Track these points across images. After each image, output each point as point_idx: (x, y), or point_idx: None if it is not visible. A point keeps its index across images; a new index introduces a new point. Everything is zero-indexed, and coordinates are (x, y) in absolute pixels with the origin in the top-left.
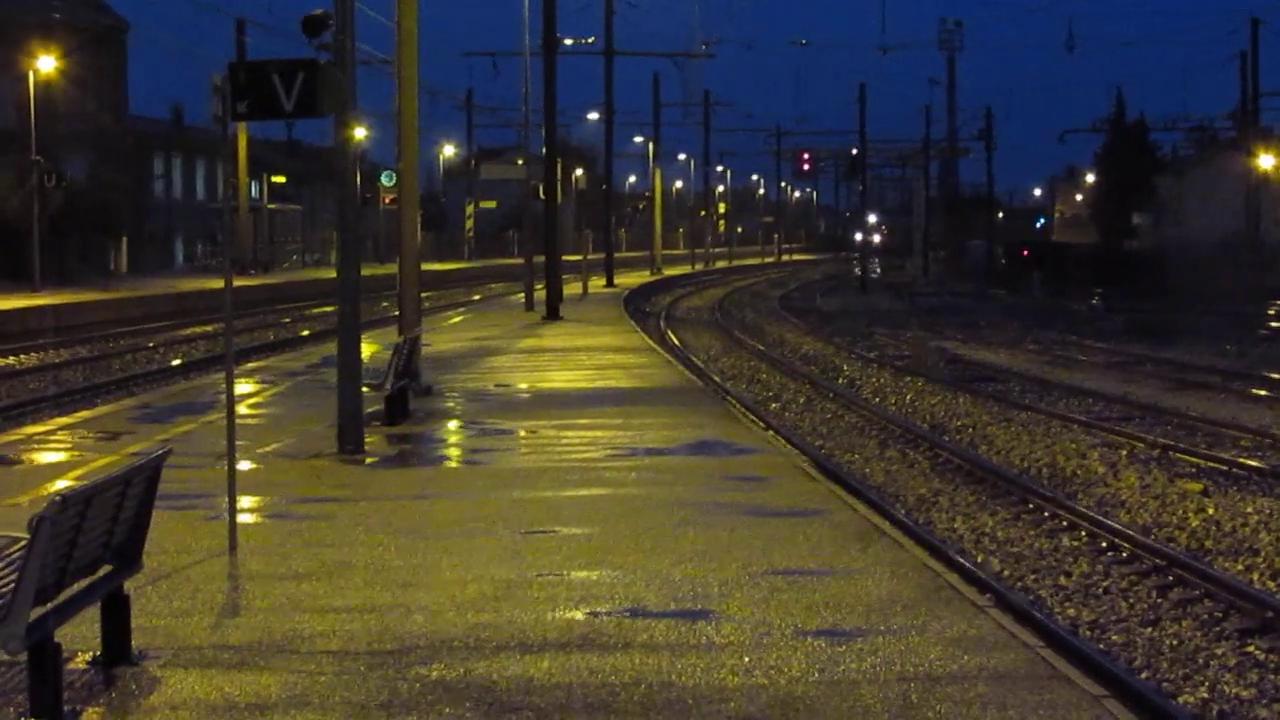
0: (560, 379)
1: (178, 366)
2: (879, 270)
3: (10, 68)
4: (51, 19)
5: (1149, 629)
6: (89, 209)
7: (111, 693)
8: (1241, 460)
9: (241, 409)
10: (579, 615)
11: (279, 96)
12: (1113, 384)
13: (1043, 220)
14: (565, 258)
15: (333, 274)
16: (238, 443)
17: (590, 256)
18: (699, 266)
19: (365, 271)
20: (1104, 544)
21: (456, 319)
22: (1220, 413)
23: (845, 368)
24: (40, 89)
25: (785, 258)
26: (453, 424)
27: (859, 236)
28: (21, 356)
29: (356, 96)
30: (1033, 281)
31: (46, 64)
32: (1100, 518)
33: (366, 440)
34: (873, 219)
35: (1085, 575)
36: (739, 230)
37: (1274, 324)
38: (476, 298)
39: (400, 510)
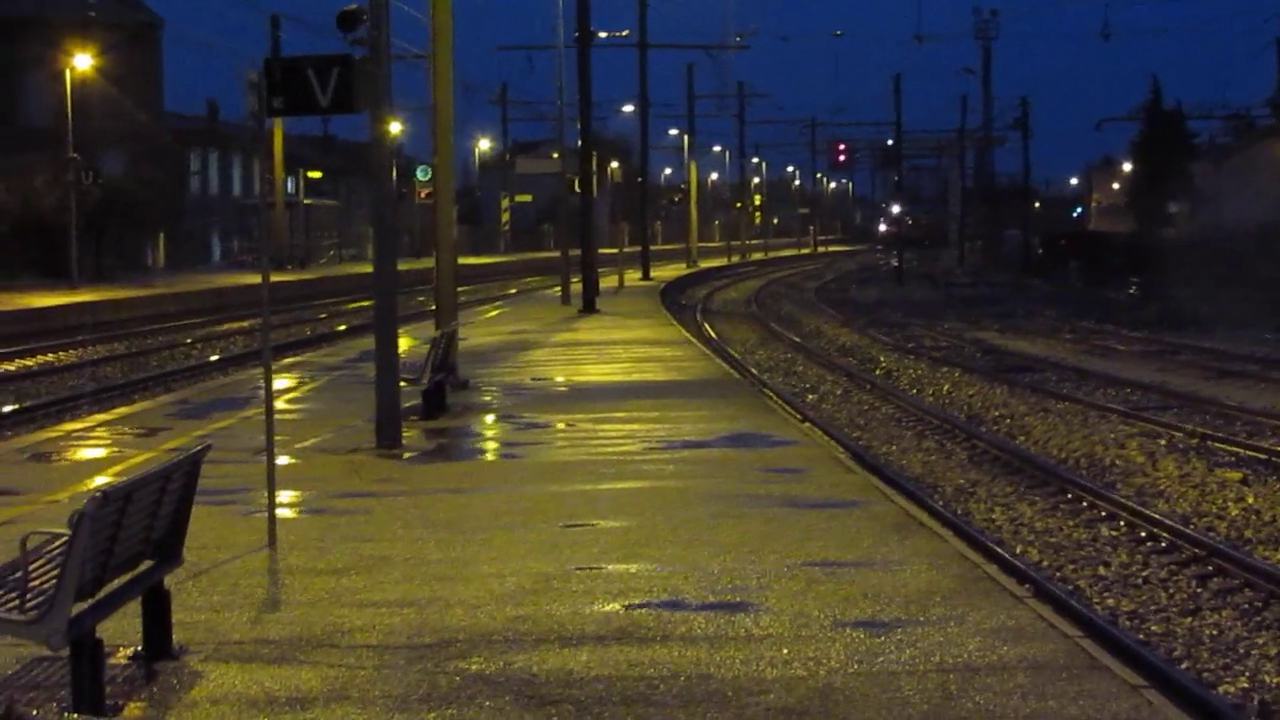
0: (597, 372)
1: (215, 362)
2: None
3: (46, 65)
4: (87, 17)
5: (1188, 619)
6: (125, 205)
7: (153, 687)
8: None
9: (279, 404)
10: (617, 608)
11: (314, 92)
12: (1150, 373)
13: (1079, 209)
14: (601, 251)
15: (369, 269)
16: (276, 438)
17: (626, 249)
18: (734, 259)
19: (401, 266)
20: (1143, 534)
21: (493, 313)
22: (1259, 401)
23: (882, 359)
24: (76, 86)
25: (821, 249)
26: (490, 418)
27: (882, 227)
28: (60, 353)
29: (391, 92)
30: (1069, 271)
31: (82, 62)
32: (1139, 507)
33: (404, 435)
34: (895, 209)
35: (1124, 565)
36: (774, 222)
37: None
38: (513, 291)
39: (438, 504)
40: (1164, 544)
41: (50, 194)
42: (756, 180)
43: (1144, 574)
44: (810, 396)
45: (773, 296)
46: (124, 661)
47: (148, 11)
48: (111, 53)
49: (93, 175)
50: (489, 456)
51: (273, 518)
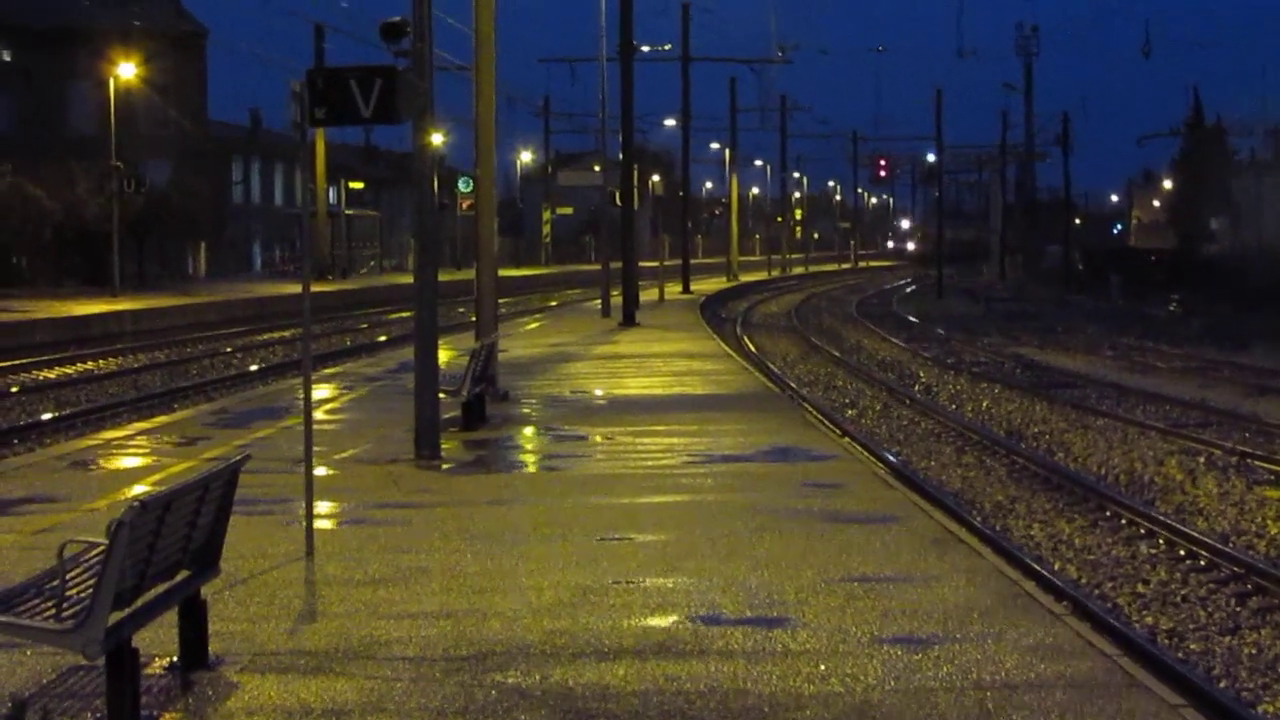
0: (637, 385)
1: (255, 371)
2: (910, 280)
3: (91, 74)
4: (132, 26)
5: (1228, 637)
6: (168, 214)
7: (189, 698)
8: None
9: (319, 414)
10: (655, 622)
11: (357, 103)
12: (1190, 390)
13: (1120, 225)
14: (642, 263)
15: (410, 279)
16: (315, 448)
17: (667, 262)
18: (775, 272)
19: (443, 277)
20: (1182, 551)
21: (533, 325)
22: None
23: (921, 374)
24: (121, 95)
25: (862, 264)
26: (529, 430)
27: (890, 244)
28: (101, 361)
29: (434, 102)
30: (1110, 286)
31: (127, 70)
32: (1178, 525)
33: (443, 446)
34: (905, 224)
35: (1163, 583)
36: (815, 236)
37: None
38: (553, 303)
39: (477, 515)
40: (1203, 562)
41: (93, 202)
42: (797, 194)
43: (1183, 592)
44: (850, 411)
45: (813, 310)
46: (160, 671)
47: (192, 20)
48: (156, 62)
49: (136, 183)
50: (528, 469)
51: (310, 528)
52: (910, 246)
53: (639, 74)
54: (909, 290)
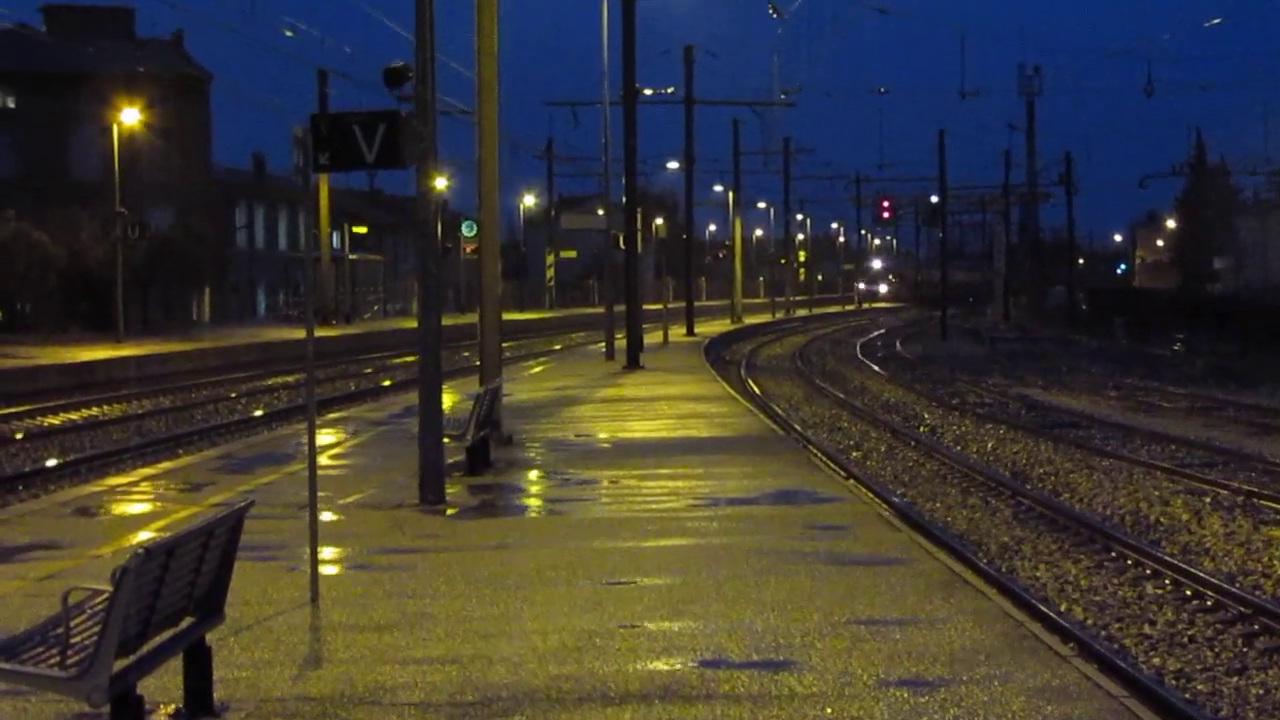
0: (641, 428)
1: (260, 417)
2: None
3: (95, 120)
4: (136, 71)
5: (1235, 678)
6: (172, 259)
7: None
8: None
9: (323, 459)
10: (661, 666)
11: (360, 148)
12: (1196, 429)
13: (1123, 265)
14: (646, 306)
15: (414, 324)
16: (320, 493)
17: (671, 305)
18: (779, 314)
19: (447, 321)
20: (1188, 592)
21: (538, 368)
22: None
23: (926, 415)
24: (125, 140)
25: (866, 305)
26: (534, 474)
27: (860, 285)
28: (105, 407)
29: (438, 147)
30: (1114, 326)
31: (131, 116)
32: (1184, 565)
33: (448, 490)
34: (878, 264)
35: (1170, 623)
36: (819, 278)
37: None
38: (557, 347)
39: (482, 560)
40: (1210, 602)
41: (98, 247)
42: (801, 236)
43: (1190, 632)
44: (855, 453)
45: (817, 352)
46: (165, 718)
47: (196, 65)
48: (160, 107)
49: (140, 229)
50: (533, 513)
51: (315, 573)
52: (883, 289)
53: (642, 117)
54: (912, 331)
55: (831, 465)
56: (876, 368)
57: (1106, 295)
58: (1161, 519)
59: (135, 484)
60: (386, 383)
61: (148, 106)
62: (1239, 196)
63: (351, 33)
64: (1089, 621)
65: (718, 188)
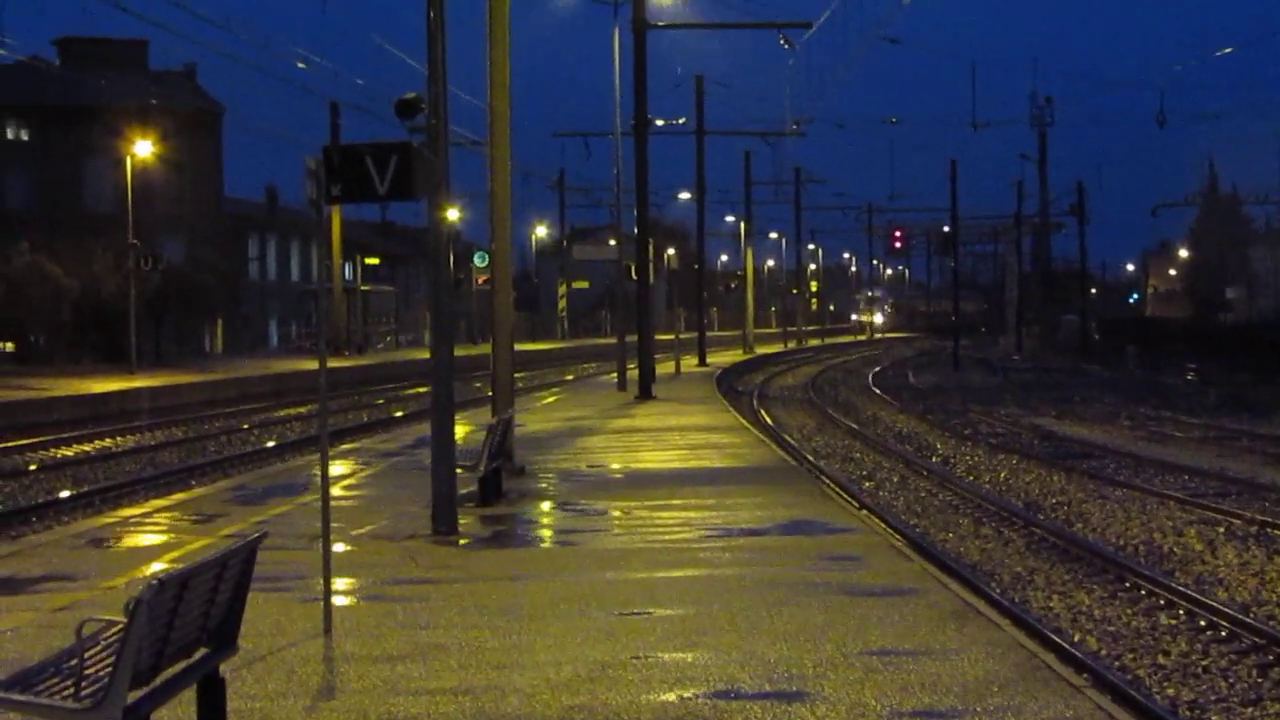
0: (654, 459)
1: (273, 448)
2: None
3: (108, 152)
4: (149, 104)
5: (1250, 708)
6: (185, 291)
7: None
8: None
9: (336, 490)
10: (673, 697)
11: (372, 180)
12: (1209, 459)
13: (1136, 294)
14: (658, 337)
15: (426, 354)
16: (333, 524)
17: (683, 335)
18: (791, 345)
19: (459, 352)
20: (1202, 622)
21: (550, 399)
22: None
23: (939, 445)
24: (138, 172)
25: (878, 335)
26: (546, 505)
27: (854, 317)
28: (118, 438)
29: (449, 178)
30: (1127, 356)
31: (144, 148)
32: (1198, 595)
33: (460, 521)
34: (874, 293)
35: (1184, 654)
36: (831, 308)
37: None
38: (570, 377)
39: (494, 591)
40: (1224, 632)
41: (111, 279)
42: (813, 266)
43: (1204, 663)
44: (867, 484)
45: (829, 383)
46: None
47: (209, 98)
48: (173, 139)
49: (153, 261)
50: (545, 544)
51: (328, 605)
52: (878, 319)
53: (653, 147)
54: (924, 361)
55: (844, 496)
56: (889, 398)
57: (1119, 325)
58: (1175, 549)
59: (148, 515)
60: (399, 413)
61: (161, 139)
62: (1251, 226)
63: (363, 65)
64: (1102, 652)
65: (729, 218)
